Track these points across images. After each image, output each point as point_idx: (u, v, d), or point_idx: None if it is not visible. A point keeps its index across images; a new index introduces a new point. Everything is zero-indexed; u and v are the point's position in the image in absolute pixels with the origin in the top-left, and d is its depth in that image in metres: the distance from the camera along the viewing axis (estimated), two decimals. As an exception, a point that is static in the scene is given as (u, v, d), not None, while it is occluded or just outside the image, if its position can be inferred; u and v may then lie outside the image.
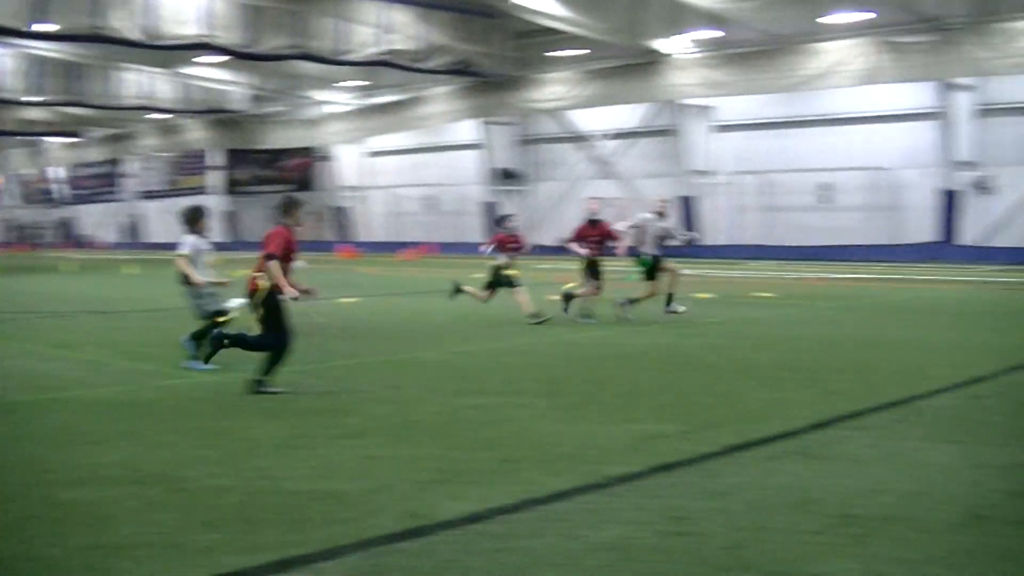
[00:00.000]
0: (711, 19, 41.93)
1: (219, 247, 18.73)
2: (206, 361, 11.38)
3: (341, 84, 60.09)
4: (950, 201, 43.33)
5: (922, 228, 44.30)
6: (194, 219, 13.43)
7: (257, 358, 11.04)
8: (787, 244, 47.57)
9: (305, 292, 11.21)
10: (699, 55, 45.85)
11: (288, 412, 9.90)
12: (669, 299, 18.87)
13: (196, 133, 73.94)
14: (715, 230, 49.79)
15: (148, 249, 75.08)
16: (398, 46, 46.27)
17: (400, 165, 65.35)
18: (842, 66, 41.59)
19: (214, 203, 69.48)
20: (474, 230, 59.82)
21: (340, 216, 67.40)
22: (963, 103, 42.58)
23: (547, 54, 50.64)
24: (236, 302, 12.79)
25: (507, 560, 5.61)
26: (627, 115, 52.87)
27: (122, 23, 39.72)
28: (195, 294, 13.16)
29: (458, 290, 19.27)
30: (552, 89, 51.72)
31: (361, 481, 7.30)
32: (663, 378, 12.25)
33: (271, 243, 10.96)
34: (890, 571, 5.43)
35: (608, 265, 19.23)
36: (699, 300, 22.03)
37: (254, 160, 75.38)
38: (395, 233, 64.87)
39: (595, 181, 54.62)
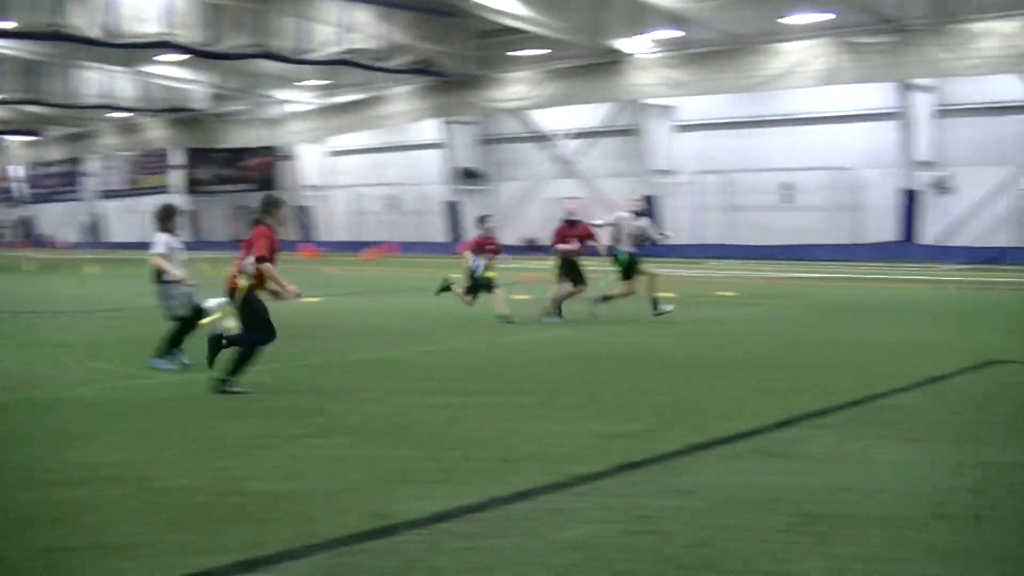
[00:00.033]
0: (672, 19, 42.11)
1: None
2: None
3: (302, 83, 59.98)
4: (910, 201, 43.69)
5: (883, 227, 44.64)
6: (167, 218, 13.31)
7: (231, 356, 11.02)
8: (749, 243, 47.85)
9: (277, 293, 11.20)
10: (660, 55, 46.02)
11: (253, 412, 9.87)
12: (655, 303, 18.85)
13: (157, 132, 73.59)
14: (677, 229, 49.84)
15: (109, 249, 74.56)
16: (359, 45, 46.24)
17: (362, 164, 65.28)
18: (803, 66, 41.87)
19: (175, 202, 69.10)
20: (436, 230, 59.89)
21: (302, 216, 67.22)
22: (922, 103, 42.94)
23: (509, 53, 50.73)
24: (216, 301, 12.73)
25: (474, 559, 5.62)
26: (589, 115, 53.03)
27: (82, 21, 39.53)
28: (166, 295, 12.98)
29: (446, 288, 19.26)
30: (514, 89, 51.79)
31: (326, 481, 7.28)
32: (626, 377, 12.27)
33: (259, 245, 10.86)
34: (853, 568, 5.47)
35: (590, 265, 19.24)
36: (661, 299, 22.04)
37: (215, 159, 75.08)
38: (357, 232, 64.79)
39: (557, 181, 54.77)
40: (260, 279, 10.91)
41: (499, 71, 52.05)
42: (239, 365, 10.83)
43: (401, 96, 56.78)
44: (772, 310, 21.57)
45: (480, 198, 57.94)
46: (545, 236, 51.27)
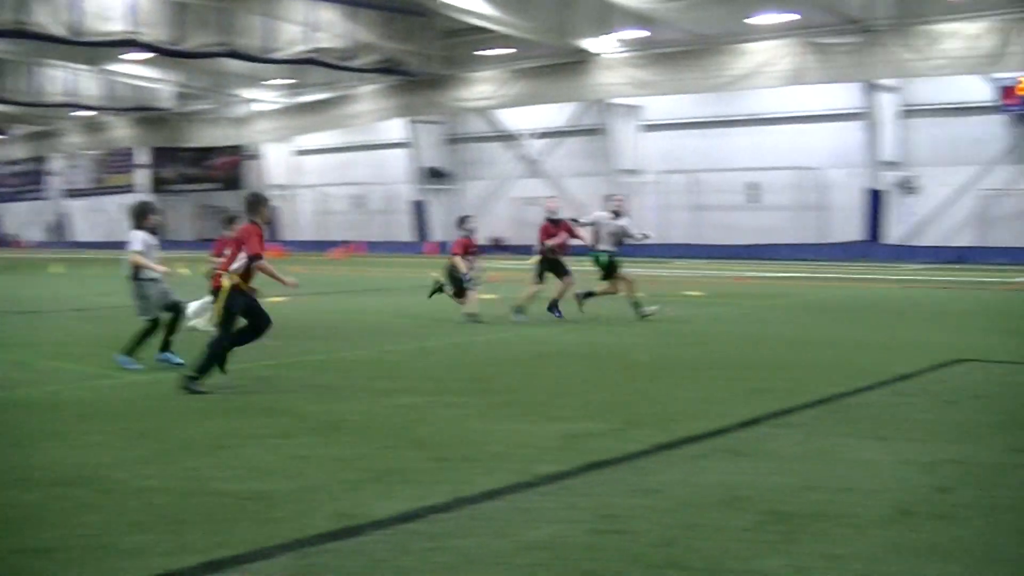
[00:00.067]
0: (638, 19, 42.19)
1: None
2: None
3: (268, 82, 59.80)
4: (875, 200, 43.92)
5: (848, 227, 44.86)
6: (142, 215, 13.19)
7: (240, 349, 11.10)
8: (715, 243, 47.99)
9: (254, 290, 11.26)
10: (626, 55, 46.10)
11: (218, 412, 9.82)
12: (636, 306, 18.82)
13: (122, 131, 73.17)
14: (643, 229, 49.96)
15: (74, 248, 74.13)
16: (325, 44, 46.14)
17: (328, 164, 65.12)
18: (768, 66, 42.02)
19: (149, 200, 68.77)
20: (402, 229, 59.79)
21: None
22: (887, 104, 43.18)
23: (475, 53, 50.71)
24: (200, 302, 12.70)
25: (440, 559, 5.60)
26: (555, 114, 53.06)
27: (47, 18, 39.25)
28: (141, 293, 12.83)
29: (438, 290, 19.18)
30: (480, 88, 51.77)
31: (291, 481, 7.25)
32: (592, 376, 12.29)
33: (251, 243, 10.93)
34: (818, 567, 5.48)
35: (573, 264, 19.22)
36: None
37: (181, 158, 74.73)
38: (323, 232, 64.62)
39: (523, 180, 54.79)
40: (244, 277, 10.94)
41: (465, 70, 52.01)
42: (206, 365, 10.80)
43: (367, 95, 56.67)
44: (738, 309, 21.64)
45: (446, 198, 57.93)
46: (512, 236, 51.32)
